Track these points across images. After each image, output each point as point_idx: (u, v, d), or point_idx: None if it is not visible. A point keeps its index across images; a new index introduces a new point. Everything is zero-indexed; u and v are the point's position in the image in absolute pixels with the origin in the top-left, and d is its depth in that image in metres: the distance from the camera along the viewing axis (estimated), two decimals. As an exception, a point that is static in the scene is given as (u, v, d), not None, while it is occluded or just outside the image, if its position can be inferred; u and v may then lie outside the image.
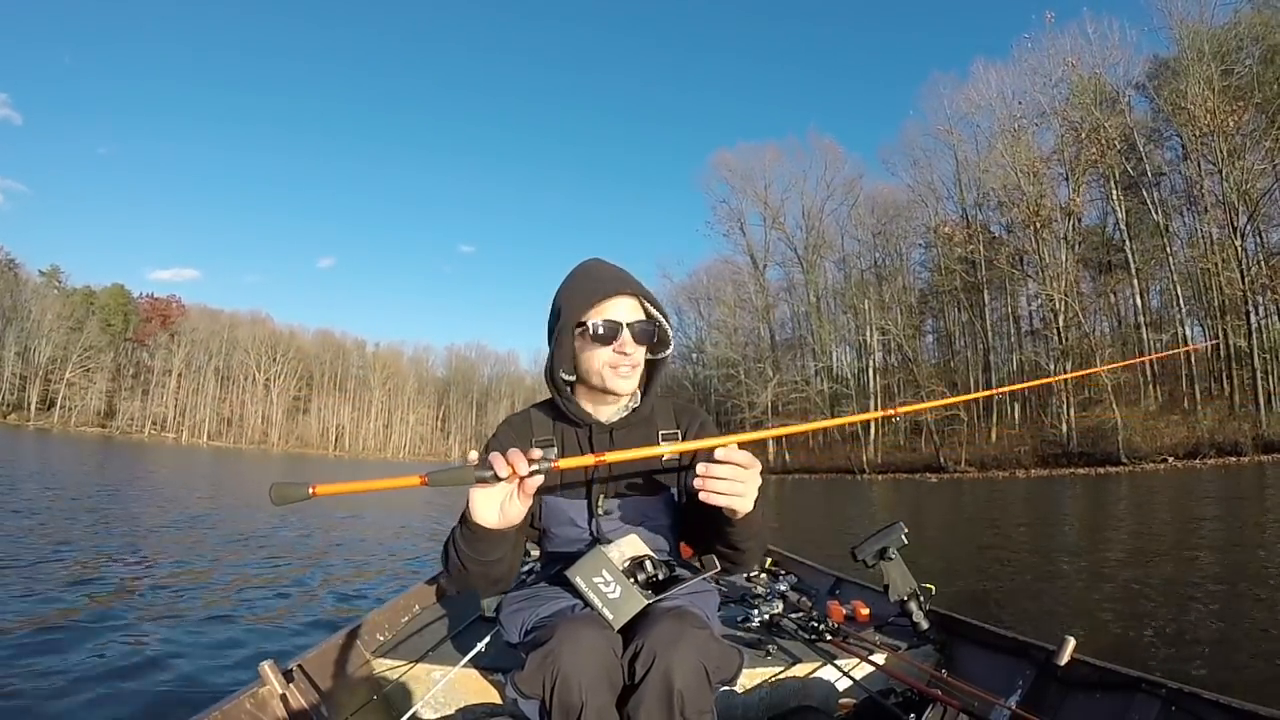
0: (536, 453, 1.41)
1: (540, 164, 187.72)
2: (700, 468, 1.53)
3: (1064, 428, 36.35)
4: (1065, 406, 37.00)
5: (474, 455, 1.43)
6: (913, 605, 2.65)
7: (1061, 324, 38.96)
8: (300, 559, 7.74)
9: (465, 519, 1.56)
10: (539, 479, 1.42)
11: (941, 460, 40.63)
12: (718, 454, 1.53)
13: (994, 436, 41.81)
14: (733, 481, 1.53)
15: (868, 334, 52.37)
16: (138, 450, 45.45)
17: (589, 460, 1.54)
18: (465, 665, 2.19)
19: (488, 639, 2.24)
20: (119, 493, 14.65)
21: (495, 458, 1.38)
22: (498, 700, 2.32)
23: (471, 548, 1.60)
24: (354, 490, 1.23)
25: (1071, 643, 2.15)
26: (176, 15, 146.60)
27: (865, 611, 2.91)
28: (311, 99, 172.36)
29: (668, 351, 2.01)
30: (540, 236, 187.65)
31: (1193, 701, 1.77)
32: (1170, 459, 29.56)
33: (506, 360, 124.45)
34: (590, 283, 1.89)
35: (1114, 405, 33.61)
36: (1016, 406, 43.88)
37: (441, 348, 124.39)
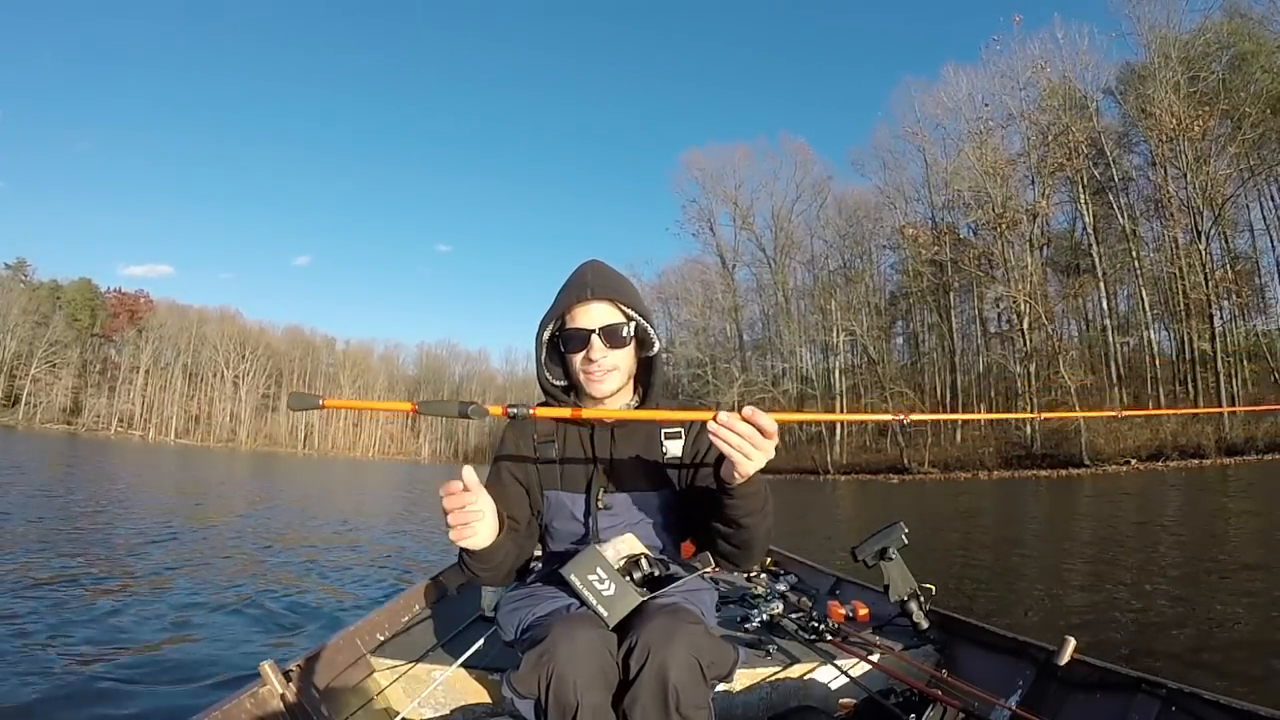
0: (470, 475, 1.60)
1: (522, 161, 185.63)
2: (722, 416, 1.47)
3: (1028, 429, 36.66)
4: (1030, 408, 37.43)
5: (468, 470, 1.59)
6: (913, 605, 2.67)
7: (1026, 326, 39.26)
8: (298, 561, 7.75)
9: (461, 551, 1.75)
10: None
11: (905, 461, 40.88)
12: (744, 411, 1.47)
13: (959, 438, 42.10)
14: (745, 441, 1.49)
15: (834, 335, 52.57)
16: (105, 448, 44.66)
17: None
18: (463, 665, 2.20)
19: (484, 638, 2.26)
20: (108, 493, 14.42)
21: (467, 473, 1.59)
22: (496, 700, 2.32)
23: (475, 558, 1.75)
24: (356, 407, 1.59)
25: (1072, 643, 2.17)
26: (161, 11, 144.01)
27: (865, 611, 2.92)
28: (309, 98, 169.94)
29: (654, 350, 2.03)
30: (519, 235, 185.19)
31: (1193, 701, 1.79)
32: (1133, 461, 29.92)
33: (478, 359, 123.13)
34: (563, 292, 1.94)
35: (1077, 408, 34.12)
36: (982, 408, 44.33)
37: (412, 346, 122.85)
